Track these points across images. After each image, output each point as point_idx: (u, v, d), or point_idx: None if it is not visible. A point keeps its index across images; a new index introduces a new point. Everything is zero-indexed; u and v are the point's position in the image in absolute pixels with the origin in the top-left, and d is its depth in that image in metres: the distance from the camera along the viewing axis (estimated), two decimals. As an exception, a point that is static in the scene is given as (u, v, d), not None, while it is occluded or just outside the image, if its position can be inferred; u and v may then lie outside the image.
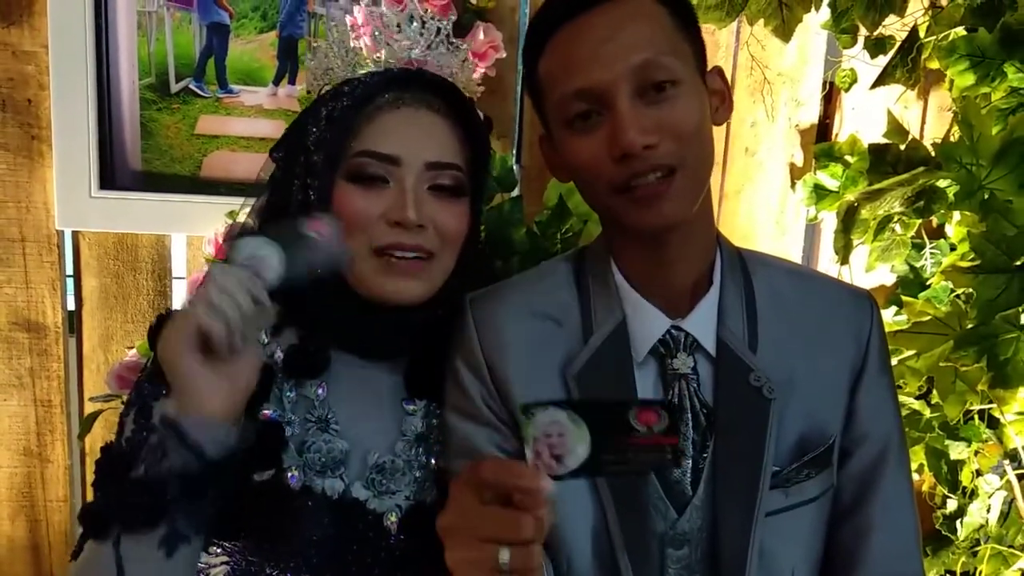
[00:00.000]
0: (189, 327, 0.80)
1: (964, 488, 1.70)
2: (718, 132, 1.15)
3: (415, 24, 1.06)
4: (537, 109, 0.99)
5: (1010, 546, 1.72)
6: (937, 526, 1.77)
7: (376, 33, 1.06)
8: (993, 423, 1.65)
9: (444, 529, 0.71)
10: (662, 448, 0.69)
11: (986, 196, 1.28)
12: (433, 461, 1.02)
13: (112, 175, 1.63)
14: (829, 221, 1.83)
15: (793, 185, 1.85)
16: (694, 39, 0.93)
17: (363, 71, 1.04)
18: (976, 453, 1.68)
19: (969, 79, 1.37)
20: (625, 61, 0.85)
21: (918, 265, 1.73)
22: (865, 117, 1.83)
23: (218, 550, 0.96)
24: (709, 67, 0.95)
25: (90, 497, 0.99)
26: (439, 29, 1.07)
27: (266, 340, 1.00)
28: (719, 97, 0.95)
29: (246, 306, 0.81)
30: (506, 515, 0.67)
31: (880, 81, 1.57)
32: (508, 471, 0.68)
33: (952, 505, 1.75)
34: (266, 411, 0.97)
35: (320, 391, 1.00)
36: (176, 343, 0.81)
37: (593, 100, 0.87)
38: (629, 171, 0.86)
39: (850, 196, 1.62)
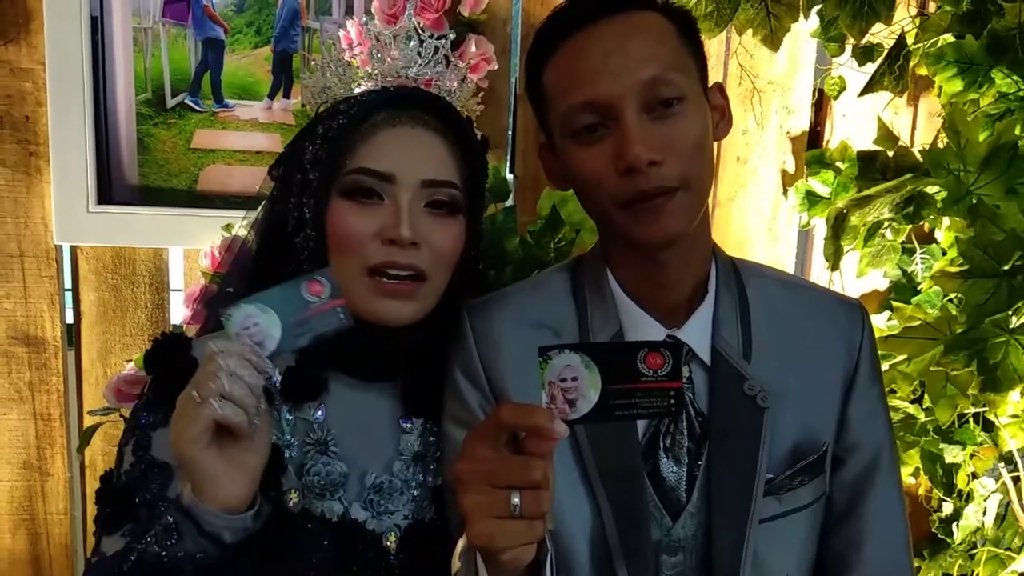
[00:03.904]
0: (204, 421, 0.77)
1: (960, 491, 1.70)
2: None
3: (413, 43, 1.06)
4: (539, 118, 0.99)
5: (1007, 548, 1.73)
6: (933, 529, 1.77)
7: (373, 51, 1.06)
8: (988, 426, 1.66)
9: (458, 475, 0.73)
10: (666, 392, 0.72)
11: (974, 201, 1.29)
12: (431, 480, 1.02)
13: (109, 190, 1.64)
14: (822, 227, 1.83)
15: (785, 192, 1.86)
16: (698, 54, 0.94)
17: (360, 89, 1.04)
18: (971, 456, 1.69)
19: (957, 85, 1.38)
20: (633, 75, 0.86)
21: (910, 270, 1.73)
22: (856, 123, 1.84)
23: None
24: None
25: (90, 512, 0.99)
26: (437, 48, 1.07)
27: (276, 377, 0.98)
28: (719, 112, 0.96)
29: (256, 384, 0.79)
30: (517, 460, 0.71)
31: (868, 88, 1.58)
32: (524, 411, 0.72)
33: (948, 508, 1.75)
34: None
35: (319, 413, 0.99)
36: (191, 437, 0.78)
37: (600, 112, 0.87)
38: (634, 187, 0.87)
39: (840, 203, 1.63)
